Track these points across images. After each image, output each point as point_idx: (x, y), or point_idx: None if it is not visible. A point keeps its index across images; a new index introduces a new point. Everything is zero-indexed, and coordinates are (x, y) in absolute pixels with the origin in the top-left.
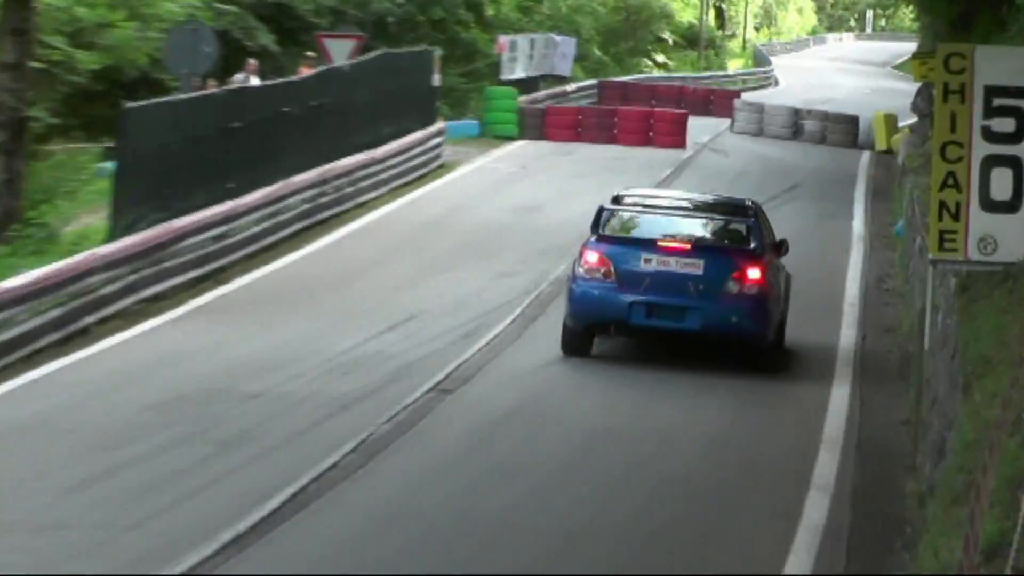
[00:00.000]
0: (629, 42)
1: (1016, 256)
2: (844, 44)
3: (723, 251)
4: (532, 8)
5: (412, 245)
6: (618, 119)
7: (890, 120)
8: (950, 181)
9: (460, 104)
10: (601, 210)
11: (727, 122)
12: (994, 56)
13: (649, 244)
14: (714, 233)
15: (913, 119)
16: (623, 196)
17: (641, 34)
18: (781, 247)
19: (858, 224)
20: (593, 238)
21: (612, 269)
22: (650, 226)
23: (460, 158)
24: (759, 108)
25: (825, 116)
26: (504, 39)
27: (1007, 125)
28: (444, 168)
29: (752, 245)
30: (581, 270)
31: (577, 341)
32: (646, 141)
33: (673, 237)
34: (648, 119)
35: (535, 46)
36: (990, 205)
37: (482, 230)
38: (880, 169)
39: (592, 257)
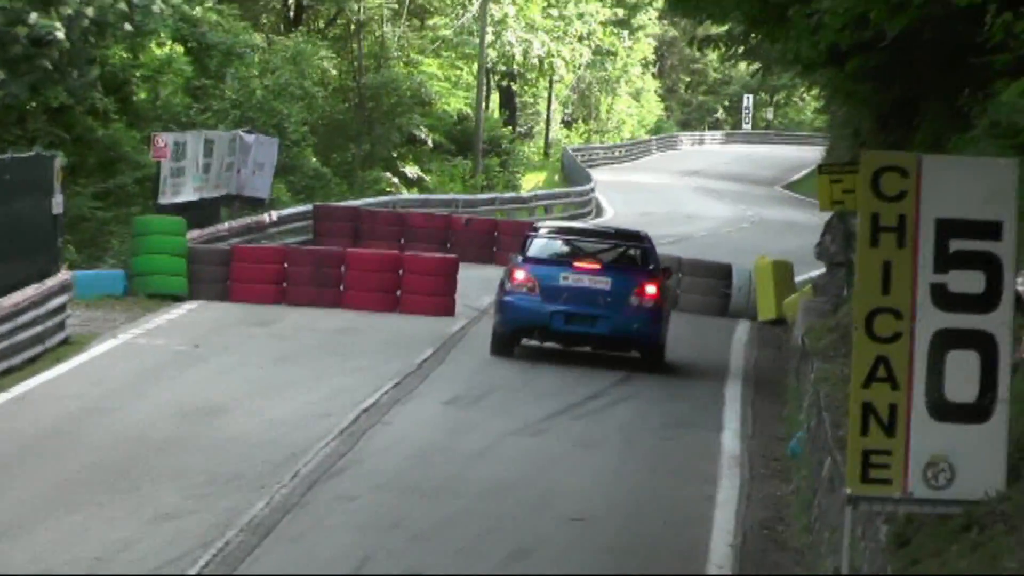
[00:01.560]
0: (364, 144)
1: (984, 490)
2: (708, 149)
3: (627, 270)
4: (208, 90)
5: (9, 472)
6: (347, 269)
7: (781, 272)
8: (880, 372)
9: (95, 243)
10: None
11: None
12: (952, 171)
13: (567, 264)
14: (618, 256)
15: (819, 270)
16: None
17: (382, 132)
18: (667, 272)
19: (730, 439)
20: (519, 258)
21: (536, 284)
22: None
23: (96, 329)
24: None
25: (677, 265)
26: (164, 138)
27: (973, 282)
28: (71, 345)
29: (650, 266)
30: (510, 285)
31: (506, 343)
32: (391, 304)
33: (586, 259)
34: (395, 268)
35: (214, 150)
36: (944, 410)
37: (130, 446)
38: (766, 351)
39: (520, 274)
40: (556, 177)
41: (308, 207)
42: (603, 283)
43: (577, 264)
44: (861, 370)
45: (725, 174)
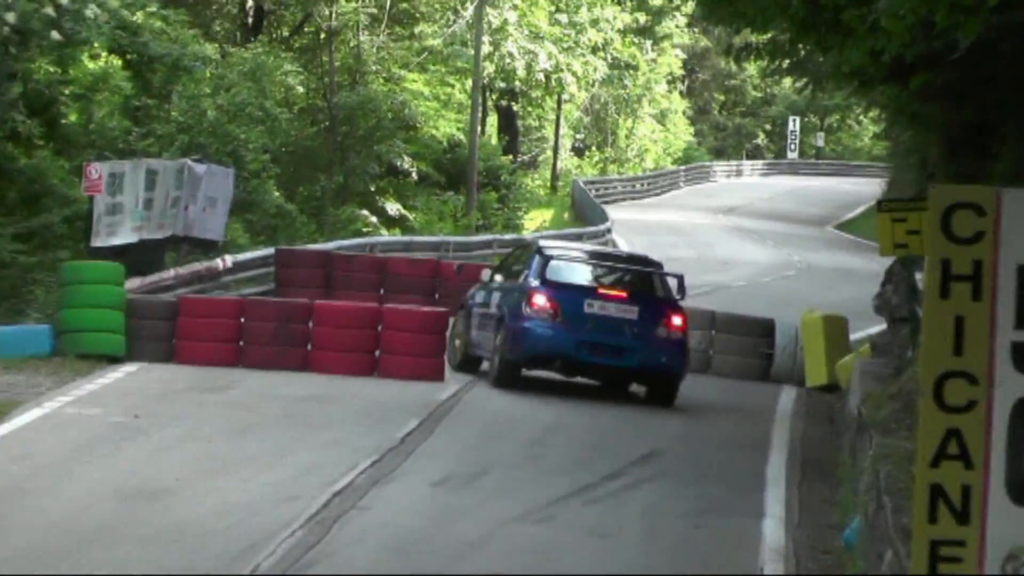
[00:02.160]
0: (336, 176)
1: None
2: (746, 182)
3: (653, 299)
4: (151, 111)
5: None
6: (315, 324)
7: (834, 329)
8: (951, 447)
9: (16, 293)
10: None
11: None
12: None
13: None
14: (641, 283)
15: (878, 326)
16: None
17: (358, 161)
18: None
19: (773, 528)
20: (536, 282)
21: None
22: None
23: (18, 396)
24: None
25: (711, 321)
26: (98, 169)
27: None
28: None
29: (674, 295)
30: (529, 310)
31: (516, 374)
32: (369, 366)
33: (611, 286)
34: (373, 324)
35: (157, 183)
36: None
37: (59, 535)
38: (815, 423)
39: (540, 299)
40: (565, 215)
41: (270, 251)
42: (630, 312)
43: (602, 291)
44: (929, 446)
45: (767, 212)
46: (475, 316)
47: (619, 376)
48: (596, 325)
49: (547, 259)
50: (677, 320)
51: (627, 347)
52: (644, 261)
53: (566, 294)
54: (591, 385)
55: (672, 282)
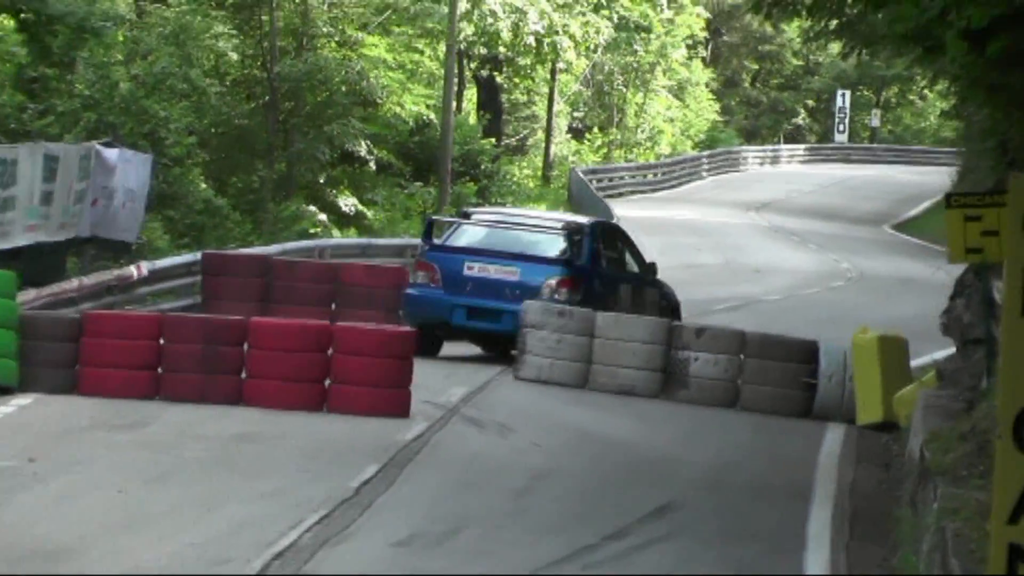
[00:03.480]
0: (278, 164)
1: None
2: (784, 171)
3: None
4: (50, 83)
5: None
6: (250, 347)
7: (891, 353)
8: None
9: None
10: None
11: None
12: None
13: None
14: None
15: (947, 350)
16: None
17: (305, 145)
18: (651, 269)
19: None
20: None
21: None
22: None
23: None
24: (587, 322)
25: (739, 343)
26: None
27: None
28: None
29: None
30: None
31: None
32: (316, 398)
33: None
34: (322, 346)
35: (58, 172)
36: None
37: None
38: (868, 468)
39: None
40: (561, 211)
41: (196, 256)
42: (511, 274)
43: (486, 253)
44: (1007, 497)
45: (809, 208)
46: None
47: (497, 341)
48: (474, 288)
49: (451, 224)
50: (565, 283)
51: (505, 311)
52: (561, 225)
53: (448, 256)
54: (594, 419)
55: (585, 247)
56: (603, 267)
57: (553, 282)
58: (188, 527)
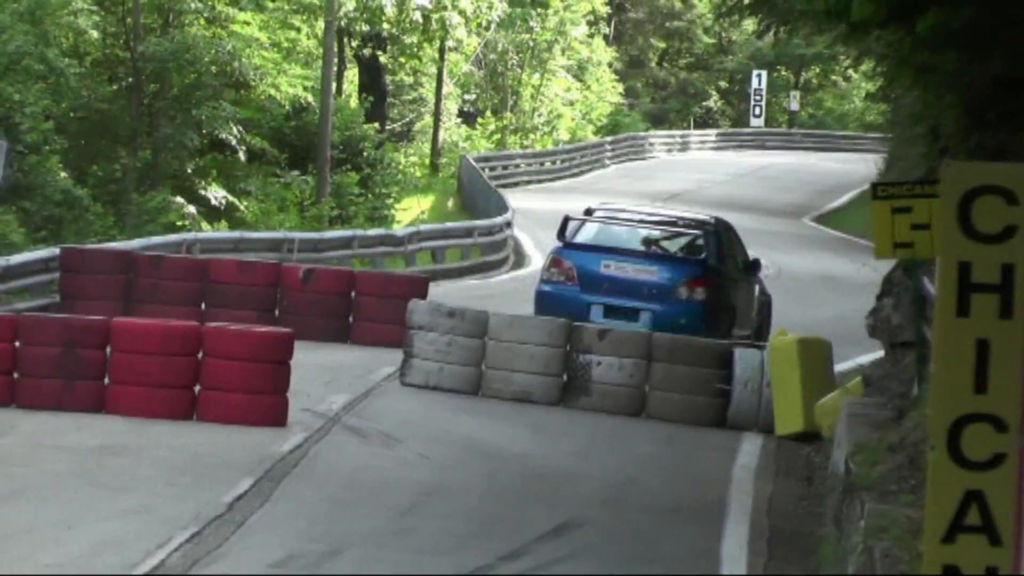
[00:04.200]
0: (142, 151)
1: None
2: (695, 158)
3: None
4: None
5: None
6: (113, 351)
7: (812, 357)
8: (971, 516)
9: None
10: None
11: (393, 356)
12: None
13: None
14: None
15: (873, 353)
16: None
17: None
18: (754, 266)
19: None
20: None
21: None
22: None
23: None
24: (479, 324)
25: (645, 346)
26: None
27: None
28: None
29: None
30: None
31: None
32: (184, 407)
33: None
34: (190, 350)
35: None
36: None
37: None
38: (787, 483)
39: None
40: (450, 203)
41: (53, 251)
42: (649, 273)
43: (622, 252)
44: (941, 514)
45: (722, 199)
46: None
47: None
48: (611, 287)
49: (580, 222)
50: (700, 282)
51: (643, 309)
52: (688, 223)
53: (584, 255)
54: (487, 429)
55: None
56: (727, 265)
57: (689, 281)
58: (46, 547)
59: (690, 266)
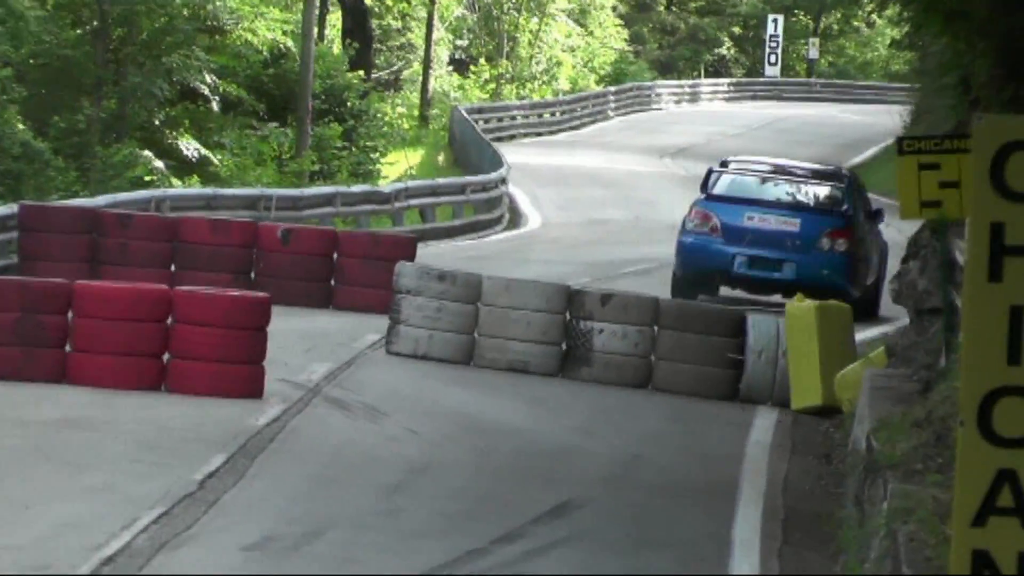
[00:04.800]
0: (107, 101)
1: None
2: (706, 110)
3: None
4: None
5: None
6: (76, 316)
7: (832, 325)
8: (1004, 498)
9: None
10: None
11: (378, 323)
12: None
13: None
14: (809, 196)
15: (898, 322)
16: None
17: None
18: (877, 215)
19: None
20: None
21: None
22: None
23: None
24: (472, 287)
25: (652, 312)
26: None
27: None
28: None
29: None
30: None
31: (686, 291)
32: (153, 376)
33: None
34: (159, 316)
35: None
36: None
37: None
38: (804, 461)
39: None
40: (440, 157)
41: (11, 208)
42: (791, 225)
43: (764, 204)
44: (971, 495)
45: (734, 154)
46: None
47: (777, 290)
48: (755, 238)
49: (717, 174)
50: (842, 234)
51: (786, 260)
52: (826, 174)
53: (726, 207)
54: (480, 402)
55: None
56: (860, 216)
57: (831, 233)
58: (3, 528)
59: (832, 218)
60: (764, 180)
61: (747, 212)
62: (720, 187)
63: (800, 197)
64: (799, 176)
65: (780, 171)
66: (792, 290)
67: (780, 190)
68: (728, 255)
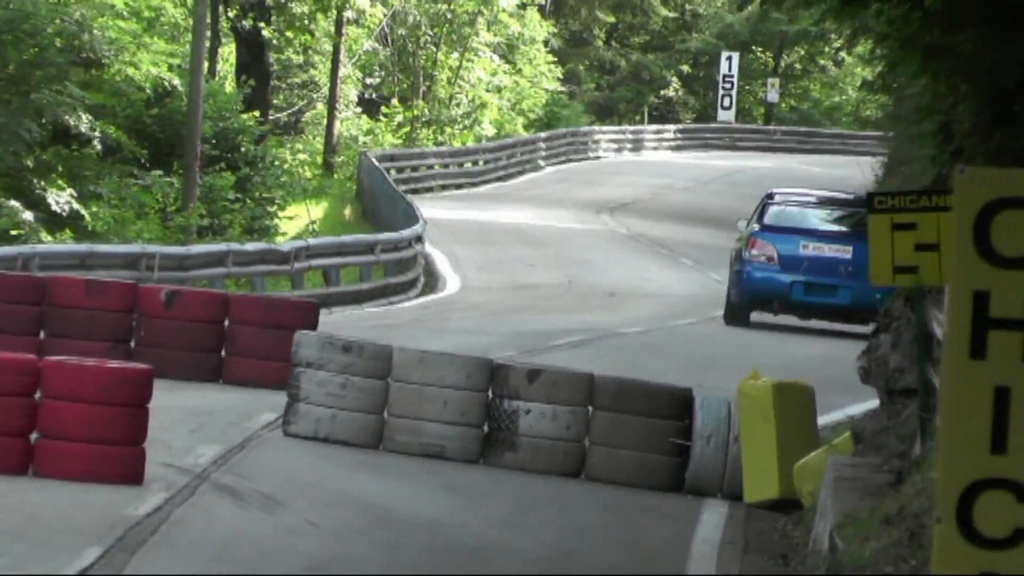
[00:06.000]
0: None
1: None
2: (650, 160)
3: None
4: None
5: None
6: None
7: (791, 406)
8: None
9: None
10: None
11: (275, 400)
12: None
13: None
14: (859, 223)
15: (867, 402)
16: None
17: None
18: None
19: None
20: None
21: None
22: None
23: None
24: (381, 360)
25: (586, 390)
26: None
27: None
28: None
29: None
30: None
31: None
32: (18, 459)
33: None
34: (24, 390)
35: None
36: None
37: None
38: (758, 561)
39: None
40: (347, 211)
41: None
42: (844, 252)
43: (818, 232)
44: None
45: (682, 210)
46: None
47: (833, 315)
48: (810, 265)
49: (768, 205)
50: None
51: (841, 286)
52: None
53: (782, 237)
54: (390, 491)
55: None
56: None
57: None
58: None
59: None
60: (813, 209)
61: (802, 241)
62: (771, 217)
63: (849, 224)
64: (845, 204)
65: (827, 201)
66: (847, 315)
67: (830, 218)
68: (785, 283)
